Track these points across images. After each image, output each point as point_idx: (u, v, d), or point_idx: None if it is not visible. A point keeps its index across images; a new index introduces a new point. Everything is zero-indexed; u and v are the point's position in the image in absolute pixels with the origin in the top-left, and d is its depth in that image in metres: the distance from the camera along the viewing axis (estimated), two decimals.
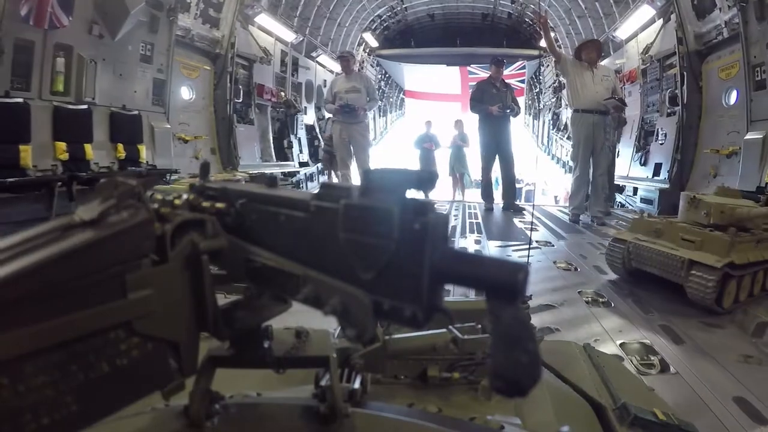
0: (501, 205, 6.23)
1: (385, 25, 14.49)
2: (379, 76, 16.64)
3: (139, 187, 0.33)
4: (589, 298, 2.91)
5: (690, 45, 6.16)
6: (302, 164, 9.75)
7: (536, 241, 4.48)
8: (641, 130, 7.65)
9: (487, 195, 6.29)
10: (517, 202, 6.60)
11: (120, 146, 5.55)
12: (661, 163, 6.83)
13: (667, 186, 6.33)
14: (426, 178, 0.30)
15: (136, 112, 5.84)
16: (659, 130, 7.05)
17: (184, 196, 0.39)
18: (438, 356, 0.71)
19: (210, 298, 0.37)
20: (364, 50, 13.98)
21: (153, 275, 0.33)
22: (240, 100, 7.83)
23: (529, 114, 12.41)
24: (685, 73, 6.25)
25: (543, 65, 14.53)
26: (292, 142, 9.50)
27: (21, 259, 0.27)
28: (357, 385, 0.53)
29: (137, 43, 5.84)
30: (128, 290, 0.31)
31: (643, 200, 6.79)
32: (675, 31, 6.28)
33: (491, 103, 5.83)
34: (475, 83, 6.90)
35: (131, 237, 0.31)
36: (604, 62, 5.39)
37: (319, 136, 10.22)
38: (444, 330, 0.71)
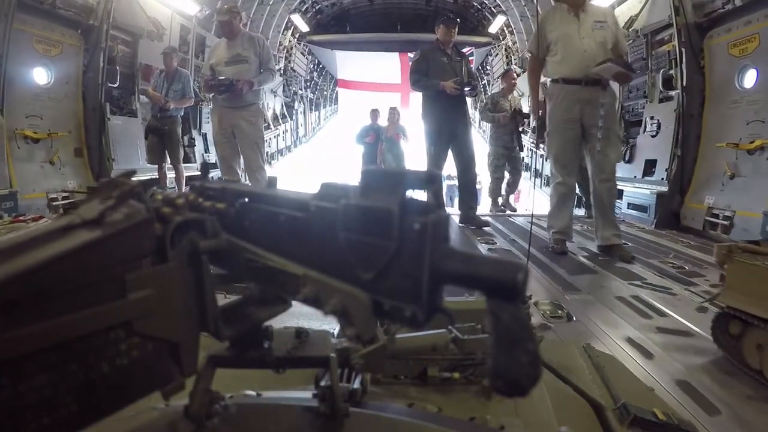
0: (457, 218, 4.49)
1: (317, 7, 12.66)
2: (311, 66, 14.70)
3: (139, 187, 0.33)
4: None
5: (688, 16, 4.95)
6: (209, 166, 7.97)
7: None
8: (622, 120, 6.05)
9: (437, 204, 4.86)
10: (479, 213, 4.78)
11: None
12: (654, 160, 5.42)
13: (665, 189, 5.06)
14: (427, 178, 0.30)
15: None
16: (648, 119, 5.59)
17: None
18: (438, 356, 0.71)
19: (210, 298, 0.38)
20: (292, 35, 12.15)
21: (153, 275, 0.33)
22: (117, 85, 5.77)
23: (474, 108, 11.43)
24: (683, 49, 4.98)
25: (492, 55, 13.14)
26: (194, 139, 7.24)
27: (21, 258, 0.27)
28: (357, 385, 0.53)
29: None
30: (128, 290, 0.31)
31: (633, 206, 5.38)
32: (671, 0, 5.04)
33: (442, 77, 4.08)
34: (417, 51, 4.67)
35: (131, 237, 0.31)
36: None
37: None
38: (444, 330, 0.72)
